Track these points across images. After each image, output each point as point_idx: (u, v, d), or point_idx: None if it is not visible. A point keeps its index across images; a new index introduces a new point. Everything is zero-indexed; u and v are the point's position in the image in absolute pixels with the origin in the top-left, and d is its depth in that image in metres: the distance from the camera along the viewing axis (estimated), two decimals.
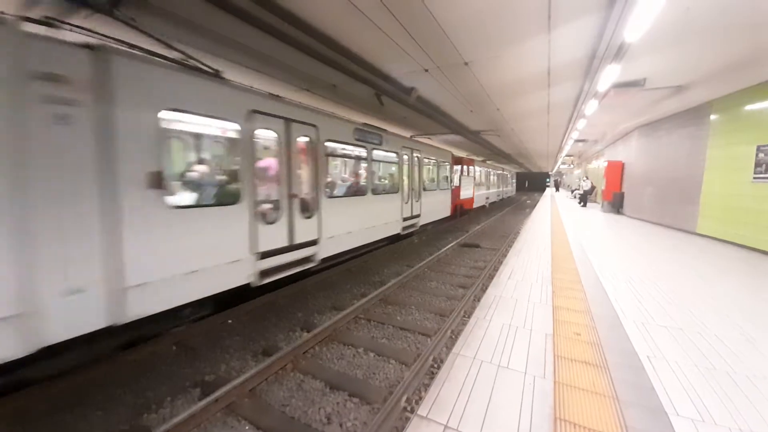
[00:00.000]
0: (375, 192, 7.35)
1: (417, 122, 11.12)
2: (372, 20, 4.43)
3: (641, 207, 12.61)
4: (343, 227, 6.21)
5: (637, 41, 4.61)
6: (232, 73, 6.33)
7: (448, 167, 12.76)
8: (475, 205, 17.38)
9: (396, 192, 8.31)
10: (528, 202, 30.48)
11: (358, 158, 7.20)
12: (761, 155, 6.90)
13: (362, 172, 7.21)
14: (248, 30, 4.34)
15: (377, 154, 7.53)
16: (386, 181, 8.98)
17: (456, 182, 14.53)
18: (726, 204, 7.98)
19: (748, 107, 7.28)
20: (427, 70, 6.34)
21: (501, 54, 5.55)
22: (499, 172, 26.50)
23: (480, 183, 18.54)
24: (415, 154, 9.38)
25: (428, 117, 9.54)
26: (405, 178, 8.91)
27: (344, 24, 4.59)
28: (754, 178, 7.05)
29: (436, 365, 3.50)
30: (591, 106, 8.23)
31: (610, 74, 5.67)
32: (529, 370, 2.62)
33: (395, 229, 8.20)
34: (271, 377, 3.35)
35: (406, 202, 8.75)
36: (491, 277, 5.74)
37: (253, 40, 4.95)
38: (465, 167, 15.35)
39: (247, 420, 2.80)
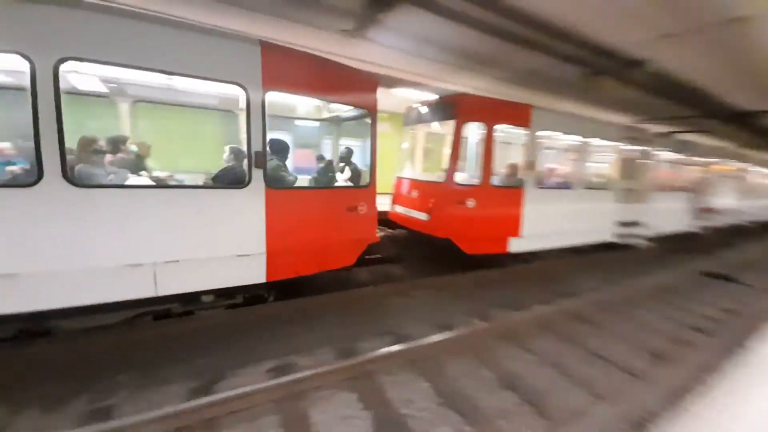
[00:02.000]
0: None
1: (644, 105, 8.52)
2: None
3: None
4: None
5: None
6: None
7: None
8: (526, 245, 6.06)
9: None
10: None
11: None
12: None
13: None
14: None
15: None
16: None
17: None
18: None
19: None
20: (668, 35, 4.74)
21: None
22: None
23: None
24: None
25: (664, 97, 7.20)
26: None
27: None
28: None
29: (646, 417, 2.78)
30: None
31: None
32: None
33: None
34: (453, 349, 3.61)
35: None
36: (755, 328, 3.94)
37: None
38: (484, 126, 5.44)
39: (424, 378, 3.17)
